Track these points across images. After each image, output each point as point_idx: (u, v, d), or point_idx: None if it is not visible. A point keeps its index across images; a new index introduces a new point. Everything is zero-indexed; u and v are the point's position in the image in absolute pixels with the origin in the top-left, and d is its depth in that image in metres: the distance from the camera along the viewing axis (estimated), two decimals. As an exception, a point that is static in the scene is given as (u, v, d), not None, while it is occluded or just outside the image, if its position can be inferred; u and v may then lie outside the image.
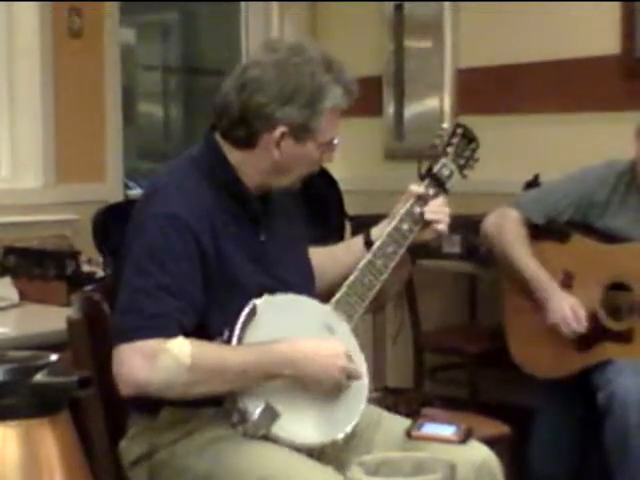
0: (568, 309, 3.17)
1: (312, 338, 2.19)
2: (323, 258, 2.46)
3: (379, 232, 2.40)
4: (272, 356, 2.12)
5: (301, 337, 2.17)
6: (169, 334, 2.08)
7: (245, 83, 2.18)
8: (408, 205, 2.37)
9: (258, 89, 2.17)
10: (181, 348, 2.07)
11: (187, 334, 2.10)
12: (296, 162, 2.23)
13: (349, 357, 2.19)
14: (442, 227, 2.37)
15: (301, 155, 2.22)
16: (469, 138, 2.47)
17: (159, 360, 2.06)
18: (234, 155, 2.24)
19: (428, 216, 2.35)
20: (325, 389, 2.17)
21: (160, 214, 2.15)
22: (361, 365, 2.26)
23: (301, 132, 2.19)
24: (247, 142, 2.21)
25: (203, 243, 2.14)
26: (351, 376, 2.19)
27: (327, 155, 2.26)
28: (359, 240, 2.44)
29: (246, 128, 2.20)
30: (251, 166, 2.23)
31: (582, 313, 3.17)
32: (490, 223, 3.39)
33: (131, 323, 2.09)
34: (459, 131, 2.46)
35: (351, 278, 2.30)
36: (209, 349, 2.11)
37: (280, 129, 2.18)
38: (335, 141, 2.25)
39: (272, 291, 2.19)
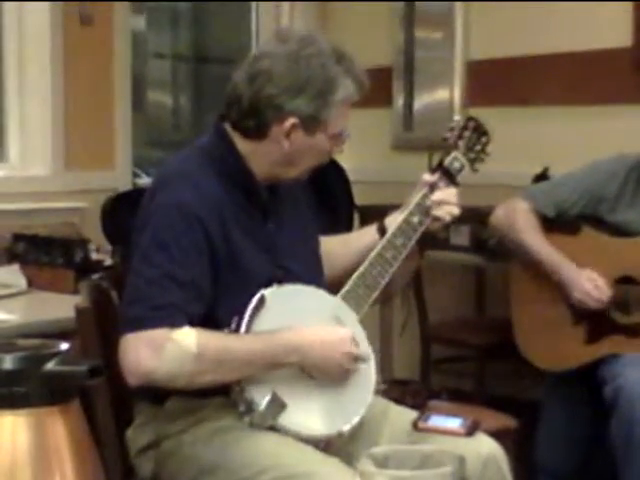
0: (588, 282, 3.16)
1: (317, 325, 2.19)
2: (336, 246, 2.47)
3: (393, 221, 2.39)
4: (278, 344, 2.12)
5: (307, 325, 2.17)
6: (175, 324, 2.08)
7: (256, 74, 2.18)
8: (419, 197, 2.37)
9: (269, 80, 2.17)
10: (187, 338, 2.07)
11: (194, 324, 2.10)
12: (305, 153, 2.23)
13: (355, 342, 2.19)
14: (442, 213, 2.34)
15: (311, 146, 2.22)
16: (481, 132, 2.46)
17: (165, 350, 2.06)
18: (243, 145, 2.24)
19: (435, 211, 2.35)
20: (332, 376, 2.18)
21: (169, 203, 2.15)
22: (369, 356, 2.26)
23: (311, 124, 2.18)
24: (257, 133, 2.21)
25: (212, 232, 2.14)
26: (358, 359, 2.19)
27: (337, 147, 2.26)
28: (372, 228, 2.44)
29: (256, 119, 2.19)
30: (260, 157, 2.23)
31: (601, 281, 3.16)
32: (500, 214, 3.39)
33: (138, 313, 2.09)
34: (471, 124, 2.45)
35: (360, 269, 2.30)
36: (215, 338, 2.11)
37: (290, 120, 2.17)
38: (345, 133, 2.25)
39: (280, 281, 2.20)
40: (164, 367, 2.07)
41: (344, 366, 2.18)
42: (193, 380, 2.09)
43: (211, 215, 2.15)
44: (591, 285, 3.16)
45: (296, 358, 2.13)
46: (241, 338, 2.12)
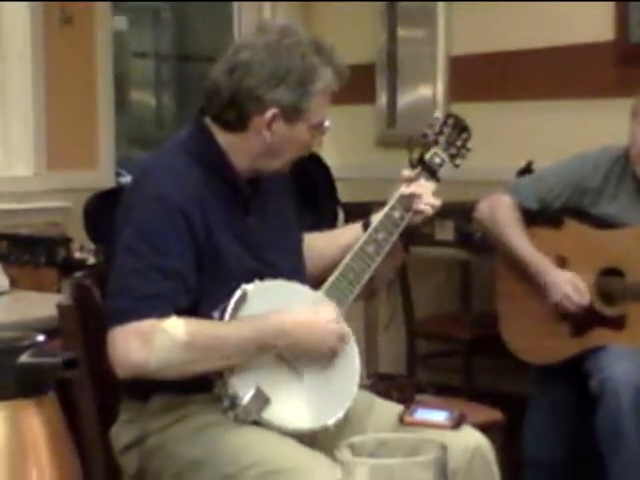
0: (567, 285, 3.16)
1: (302, 307, 2.19)
2: (320, 242, 2.47)
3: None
4: (265, 328, 2.12)
5: (293, 306, 2.17)
6: (163, 314, 2.07)
7: (235, 66, 2.18)
8: (399, 192, 2.37)
9: (248, 71, 2.16)
10: (176, 327, 2.07)
11: (180, 314, 2.10)
12: (287, 144, 2.22)
13: (341, 320, 2.20)
14: (423, 206, 2.34)
15: (292, 137, 2.21)
16: (461, 128, 2.46)
17: (155, 340, 2.05)
18: (224, 138, 2.23)
19: (416, 204, 2.34)
20: (319, 355, 2.18)
21: (150, 196, 2.15)
22: (353, 350, 2.26)
23: (292, 113, 2.18)
24: (238, 125, 2.21)
25: (194, 224, 2.14)
26: (343, 338, 2.19)
27: (317, 138, 2.26)
28: (357, 225, 2.44)
29: (237, 111, 2.19)
30: (242, 149, 2.22)
31: (582, 285, 3.16)
32: (483, 208, 3.39)
33: (124, 305, 2.08)
34: (450, 121, 2.45)
35: (342, 264, 2.30)
36: (203, 326, 2.11)
37: (271, 111, 2.17)
38: (326, 124, 2.25)
39: (261, 275, 2.19)
40: (155, 358, 2.06)
41: (330, 344, 2.18)
42: (184, 369, 2.09)
43: (193, 207, 2.15)
44: (571, 288, 3.16)
45: (284, 341, 2.13)
46: (229, 324, 2.12)
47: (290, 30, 2.21)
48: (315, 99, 2.19)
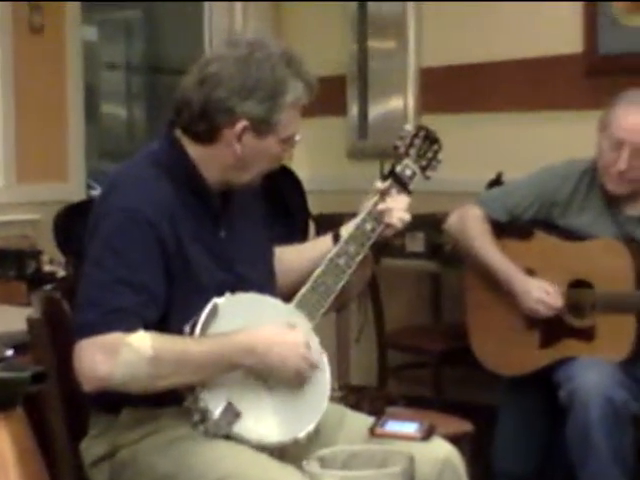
0: (539, 290, 3.18)
1: (272, 327, 2.18)
2: (291, 255, 2.47)
3: (348, 229, 2.40)
4: (233, 346, 2.12)
5: (261, 326, 2.16)
6: (129, 328, 2.07)
7: (205, 78, 2.18)
8: (371, 204, 2.37)
9: (219, 83, 2.17)
10: (142, 341, 2.06)
11: (148, 328, 2.09)
12: (257, 157, 2.22)
13: (309, 346, 2.19)
14: (394, 220, 2.35)
15: (262, 150, 2.21)
16: (431, 140, 2.47)
17: (120, 354, 2.04)
18: (194, 150, 2.23)
19: (386, 218, 2.35)
20: (287, 378, 2.17)
21: (120, 208, 2.14)
22: (323, 363, 2.26)
23: (262, 126, 2.18)
24: (208, 137, 2.21)
25: (164, 237, 2.13)
26: (312, 365, 2.19)
27: (287, 152, 2.26)
28: (328, 237, 2.44)
29: (207, 123, 2.19)
30: (212, 161, 2.22)
31: (552, 289, 3.18)
32: (453, 220, 3.41)
33: (91, 318, 2.08)
34: (421, 133, 2.46)
35: (313, 277, 2.30)
36: (170, 341, 2.10)
37: (241, 123, 2.17)
38: (296, 137, 2.25)
39: (232, 288, 2.19)
40: (120, 372, 2.05)
41: (299, 368, 2.17)
42: (150, 384, 2.08)
43: (162, 220, 2.14)
44: (542, 294, 3.18)
45: (251, 360, 2.13)
46: (197, 341, 2.11)
47: (261, 43, 2.21)
48: (285, 112, 2.19)
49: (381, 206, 2.36)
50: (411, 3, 4.70)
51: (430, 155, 2.46)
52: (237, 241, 2.28)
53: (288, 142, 2.24)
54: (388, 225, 2.36)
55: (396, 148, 2.45)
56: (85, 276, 2.13)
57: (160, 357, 2.06)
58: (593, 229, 3.21)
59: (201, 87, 2.18)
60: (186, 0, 5.35)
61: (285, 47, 2.22)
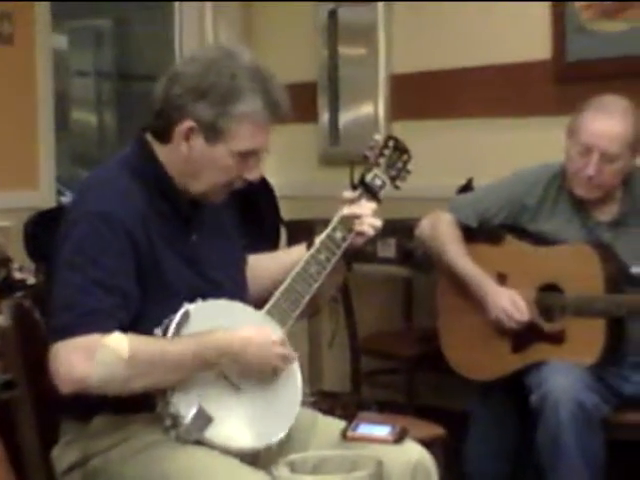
0: (507, 302, 3.19)
1: (248, 327, 2.19)
2: (264, 262, 2.47)
3: None
4: (209, 345, 2.13)
5: (237, 325, 2.17)
6: (105, 330, 2.07)
7: (171, 75, 2.20)
8: (341, 213, 2.38)
9: (177, 80, 2.18)
10: (118, 342, 2.06)
11: (123, 329, 2.09)
12: (207, 164, 2.20)
13: (284, 343, 2.21)
14: (365, 227, 2.36)
15: (212, 158, 2.19)
16: (401, 150, 2.48)
17: (98, 356, 2.05)
18: (159, 150, 2.24)
19: (357, 226, 2.36)
20: (262, 375, 2.18)
21: (92, 212, 2.14)
22: (295, 368, 2.27)
23: (210, 132, 2.17)
24: (164, 134, 2.21)
25: (136, 240, 2.14)
26: (287, 360, 2.21)
27: (245, 170, 2.23)
28: (302, 245, 2.44)
29: (163, 119, 2.20)
30: (171, 163, 2.22)
31: (522, 303, 3.19)
32: (424, 226, 3.42)
33: (67, 320, 2.07)
34: (391, 143, 2.47)
35: (284, 284, 2.30)
36: (146, 342, 2.11)
37: (188, 123, 2.17)
38: (257, 155, 2.22)
39: (203, 293, 2.19)
40: (97, 373, 2.05)
41: (274, 364, 2.19)
42: (127, 385, 2.08)
43: (135, 223, 2.14)
44: (510, 305, 3.19)
45: (227, 359, 2.14)
46: (173, 341, 2.11)
47: (233, 52, 2.20)
48: (235, 122, 2.16)
49: (349, 212, 2.36)
50: (381, 10, 4.71)
51: (400, 165, 2.47)
52: (208, 246, 2.28)
53: (245, 158, 2.21)
54: (359, 233, 2.37)
55: (366, 158, 2.45)
56: (59, 279, 2.12)
57: (137, 358, 2.06)
58: (562, 234, 3.22)
59: (164, 83, 2.20)
60: (156, 0, 5.32)
61: (258, 63, 2.20)
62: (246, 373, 2.17)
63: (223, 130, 2.16)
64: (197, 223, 2.28)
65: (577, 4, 4.10)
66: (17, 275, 3.48)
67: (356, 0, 4.80)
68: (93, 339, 2.06)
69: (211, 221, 2.32)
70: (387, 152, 2.45)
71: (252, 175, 2.25)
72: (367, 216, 2.36)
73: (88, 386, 2.06)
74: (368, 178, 2.42)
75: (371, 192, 2.41)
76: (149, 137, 2.25)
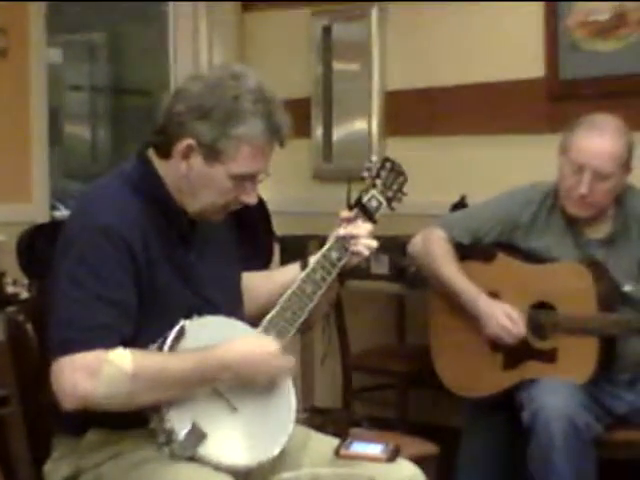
0: (503, 316, 3.19)
1: (245, 339, 2.20)
2: (259, 281, 2.47)
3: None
4: (209, 362, 2.13)
5: (236, 339, 2.18)
6: (108, 345, 2.07)
7: (176, 92, 2.20)
8: (337, 232, 2.38)
9: (182, 98, 2.18)
10: (123, 358, 2.06)
11: (126, 343, 2.09)
12: (204, 185, 2.20)
13: (281, 353, 2.21)
14: (360, 248, 2.36)
15: (209, 178, 2.19)
16: (397, 172, 2.49)
17: (102, 372, 2.05)
18: (160, 166, 2.24)
19: (353, 246, 2.36)
20: (261, 387, 2.19)
21: (92, 226, 2.14)
22: (289, 386, 2.27)
23: (209, 152, 2.17)
24: (164, 150, 2.21)
25: (136, 254, 2.14)
26: (286, 372, 2.23)
27: (243, 193, 2.23)
28: (296, 265, 2.45)
29: (164, 136, 2.20)
30: (169, 178, 2.23)
31: (517, 316, 3.19)
32: (417, 243, 3.42)
33: (70, 335, 2.07)
34: (387, 165, 2.48)
35: (280, 303, 2.30)
36: (150, 357, 2.11)
37: (187, 141, 2.17)
38: (256, 179, 2.23)
39: (200, 310, 2.19)
40: (101, 389, 2.05)
41: (274, 377, 2.20)
42: (131, 401, 2.08)
43: (134, 238, 2.14)
44: (507, 320, 3.19)
45: (228, 374, 2.14)
46: (175, 357, 2.11)
47: (240, 75, 2.19)
48: (235, 145, 2.16)
49: (345, 232, 2.37)
50: (375, 26, 4.73)
51: (396, 187, 2.48)
52: (206, 264, 2.28)
53: (242, 181, 2.21)
54: (355, 253, 2.38)
55: (363, 179, 2.47)
56: (60, 294, 2.11)
57: (141, 373, 2.07)
58: (555, 252, 3.23)
59: (170, 99, 2.20)
60: None
61: (262, 86, 2.19)
62: (244, 387, 2.17)
63: (222, 151, 2.16)
64: (195, 241, 2.28)
65: (570, 23, 4.13)
66: (10, 289, 3.47)
67: (350, 16, 4.82)
68: (96, 355, 2.06)
69: (209, 238, 2.32)
70: (384, 174, 2.46)
71: (250, 199, 2.25)
72: (363, 237, 2.37)
73: (92, 402, 2.06)
74: (365, 199, 2.43)
75: (367, 213, 2.42)
76: (150, 152, 2.25)
